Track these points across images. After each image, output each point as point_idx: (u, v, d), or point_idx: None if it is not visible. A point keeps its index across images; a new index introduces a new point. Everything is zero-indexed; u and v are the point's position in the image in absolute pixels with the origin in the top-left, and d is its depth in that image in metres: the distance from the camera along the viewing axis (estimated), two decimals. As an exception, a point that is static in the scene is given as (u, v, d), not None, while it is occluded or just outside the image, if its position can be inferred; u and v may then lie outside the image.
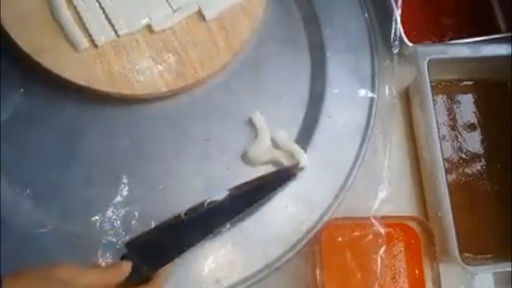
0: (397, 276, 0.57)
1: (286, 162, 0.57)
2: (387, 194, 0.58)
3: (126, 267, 0.45)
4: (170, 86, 0.57)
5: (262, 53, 0.62)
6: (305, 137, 0.59)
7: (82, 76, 0.55)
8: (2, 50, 0.56)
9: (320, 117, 0.60)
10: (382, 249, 0.56)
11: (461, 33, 0.64)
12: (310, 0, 0.64)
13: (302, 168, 0.57)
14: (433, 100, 0.58)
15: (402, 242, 0.58)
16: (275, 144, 0.58)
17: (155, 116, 0.59)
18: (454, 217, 0.54)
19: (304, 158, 0.57)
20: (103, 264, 0.52)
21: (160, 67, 0.57)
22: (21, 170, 0.55)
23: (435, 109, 0.57)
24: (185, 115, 0.59)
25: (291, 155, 0.58)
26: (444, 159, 0.56)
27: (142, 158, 0.56)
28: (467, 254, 0.57)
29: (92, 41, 0.56)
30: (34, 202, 0.54)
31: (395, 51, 0.61)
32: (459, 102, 0.65)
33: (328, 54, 0.62)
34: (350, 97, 0.61)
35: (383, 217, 0.56)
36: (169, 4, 0.58)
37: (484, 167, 0.62)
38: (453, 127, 0.64)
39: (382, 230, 0.56)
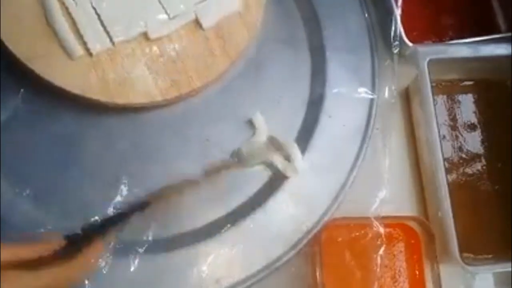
0: (397, 276, 0.57)
1: (279, 164, 0.57)
2: (387, 194, 0.58)
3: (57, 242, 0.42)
4: (165, 95, 0.56)
5: (262, 53, 0.62)
6: (305, 137, 0.59)
7: (76, 84, 0.54)
8: (2, 51, 0.55)
9: (320, 117, 0.60)
10: (382, 249, 0.56)
11: (461, 33, 0.64)
12: (310, 0, 0.64)
13: (296, 171, 0.57)
14: (433, 100, 0.58)
15: (402, 242, 0.58)
16: (275, 144, 0.58)
17: (155, 117, 0.58)
18: (454, 217, 0.54)
19: (299, 160, 0.57)
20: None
21: (155, 75, 0.56)
22: (21, 170, 0.55)
23: (435, 109, 0.57)
24: (185, 115, 0.59)
25: (286, 157, 0.57)
26: (444, 159, 0.56)
27: (142, 158, 0.56)
28: (467, 254, 0.57)
29: (87, 49, 0.55)
30: (33, 202, 0.54)
31: (395, 51, 0.61)
32: (459, 102, 0.65)
33: (328, 53, 0.62)
34: (350, 97, 0.61)
35: (383, 217, 0.56)
36: (166, 12, 0.57)
37: (484, 167, 0.62)
38: (453, 127, 0.64)
39: (382, 230, 0.56)
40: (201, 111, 0.59)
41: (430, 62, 0.58)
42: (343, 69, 0.62)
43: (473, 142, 0.63)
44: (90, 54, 0.55)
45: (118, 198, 0.55)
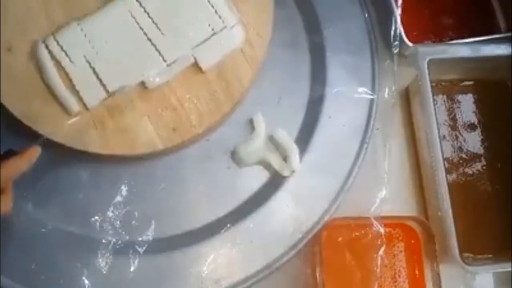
0: (397, 276, 0.57)
1: (275, 164, 0.57)
2: (387, 194, 0.58)
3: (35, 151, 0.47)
4: (166, 144, 0.54)
5: (262, 53, 0.62)
6: (305, 137, 0.59)
7: (76, 140, 0.53)
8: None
9: (320, 117, 0.60)
10: (382, 249, 0.56)
11: (461, 33, 0.64)
12: (310, 0, 0.64)
13: (292, 171, 0.57)
14: (433, 100, 0.58)
15: (402, 242, 0.58)
16: (275, 144, 0.58)
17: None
18: (454, 217, 0.54)
19: (296, 161, 0.57)
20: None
21: (155, 125, 0.55)
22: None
23: (435, 109, 0.57)
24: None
25: (283, 157, 0.57)
26: (444, 159, 0.56)
27: (142, 158, 0.56)
28: (467, 254, 0.57)
29: (84, 104, 0.54)
30: (34, 202, 0.54)
31: (395, 51, 0.61)
32: (459, 102, 0.64)
33: (328, 54, 0.62)
34: (350, 97, 0.61)
35: (383, 217, 0.56)
36: (163, 58, 0.55)
37: (484, 167, 0.62)
38: (453, 127, 0.64)
39: (382, 230, 0.56)
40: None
41: (430, 62, 0.58)
42: (343, 69, 0.62)
43: (473, 142, 0.63)
44: (87, 109, 0.54)
45: (118, 198, 0.55)
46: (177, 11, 0.56)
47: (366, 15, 0.64)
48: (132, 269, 0.53)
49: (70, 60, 0.54)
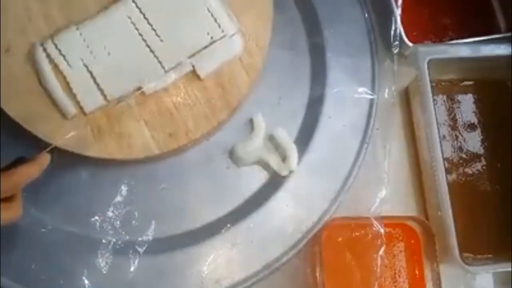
0: (397, 276, 0.57)
1: (274, 163, 0.57)
2: (387, 194, 0.58)
3: (46, 158, 0.48)
4: (162, 148, 0.55)
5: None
6: (305, 137, 0.59)
7: (73, 143, 0.52)
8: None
9: (320, 117, 0.60)
10: (382, 249, 0.56)
11: (461, 33, 0.64)
12: (310, 1, 0.64)
13: (290, 171, 0.57)
14: (433, 100, 0.58)
15: (402, 242, 0.58)
16: (274, 143, 0.58)
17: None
18: (454, 217, 0.54)
19: (294, 161, 0.57)
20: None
21: (152, 129, 0.55)
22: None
23: (435, 109, 0.57)
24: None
25: (282, 157, 0.57)
26: (444, 159, 0.56)
27: (142, 158, 0.56)
28: (467, 254, 0.57)
29: (81, 108, 0.54)
30: (34, 202, 0.54)
31: (395, 51, 0.61)
32: (459, 102, 0.65)
33: (328, 54, 0.62)
34: (350, 97, 0.61)
35: (383, 217, 0.56)
36: (161, 65, 0.55)
37: (484, 167, 0.62)
38: (453, 127, 0.64)
39: (382, 230, 0.56)
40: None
41: (430, 62, 0.58)
42: (343, 70, 0.62)
43: (473, 142, 0.63)
44: (85, 113, 0.54)
45: (118, 198, 0.55)
46: (176, 19, 0.56)
47: (366, 15, 0.64)
48: (132, 269, 0.53)
49: (68, 64, 0.54)
